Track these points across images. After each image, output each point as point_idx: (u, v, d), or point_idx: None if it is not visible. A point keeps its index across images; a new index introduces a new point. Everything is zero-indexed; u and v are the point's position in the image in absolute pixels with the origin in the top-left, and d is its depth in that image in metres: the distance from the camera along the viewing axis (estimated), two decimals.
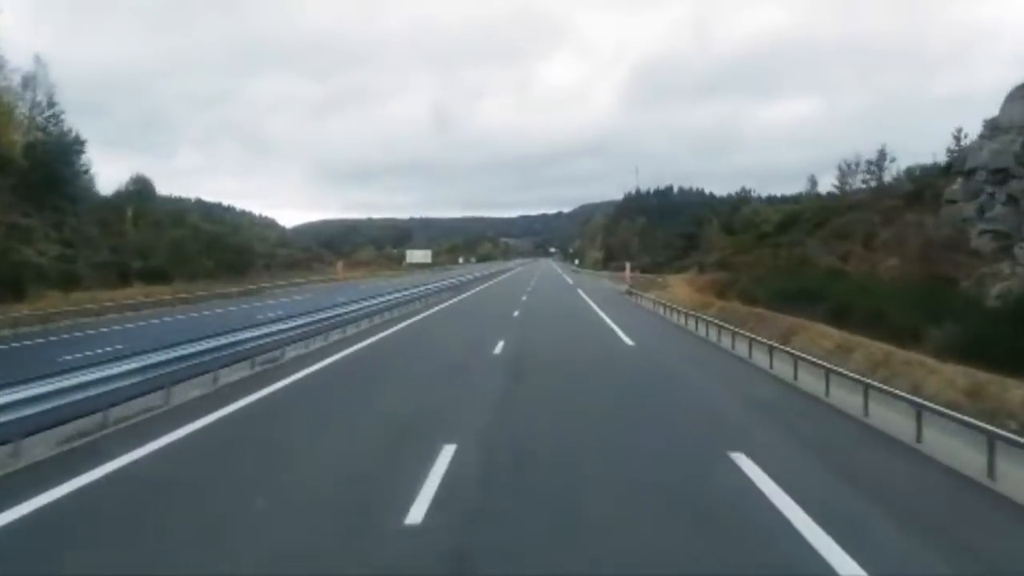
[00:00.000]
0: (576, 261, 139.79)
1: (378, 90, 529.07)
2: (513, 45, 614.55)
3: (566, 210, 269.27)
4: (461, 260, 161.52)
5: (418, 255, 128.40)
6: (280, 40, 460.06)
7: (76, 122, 52.87)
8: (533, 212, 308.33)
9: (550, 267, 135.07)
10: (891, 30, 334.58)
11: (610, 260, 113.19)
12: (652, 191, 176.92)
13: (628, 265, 62.43)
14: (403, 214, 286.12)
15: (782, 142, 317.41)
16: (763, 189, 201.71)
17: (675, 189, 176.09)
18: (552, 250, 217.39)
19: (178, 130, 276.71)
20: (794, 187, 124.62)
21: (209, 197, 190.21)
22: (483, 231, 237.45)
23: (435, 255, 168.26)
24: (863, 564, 5.05)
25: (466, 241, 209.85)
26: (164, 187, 71.59)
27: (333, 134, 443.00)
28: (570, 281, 72.10)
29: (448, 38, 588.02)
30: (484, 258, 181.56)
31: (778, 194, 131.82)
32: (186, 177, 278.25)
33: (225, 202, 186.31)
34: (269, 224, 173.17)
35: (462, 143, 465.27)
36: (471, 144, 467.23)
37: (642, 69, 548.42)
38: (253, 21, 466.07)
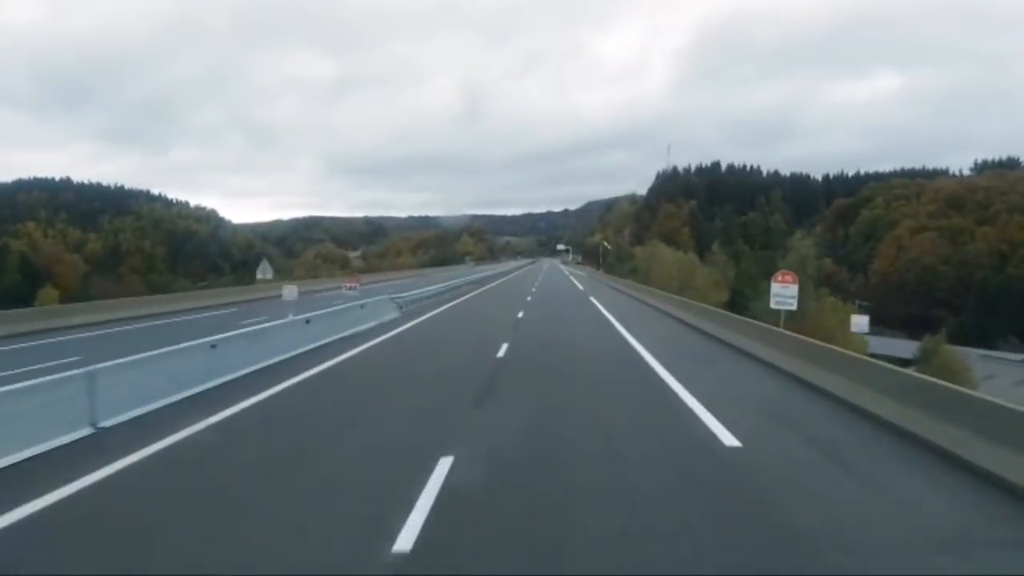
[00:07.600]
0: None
1: (390, 81, 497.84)
2: (557, 15, 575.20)
3: (572, 207, 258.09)
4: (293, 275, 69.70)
5: None
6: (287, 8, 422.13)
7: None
8: (538, 210, 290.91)
9: (560, 288, 50.52)
10: None
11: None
12: (694, 169, 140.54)
13: None
14: (403, 213, 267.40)
15: (853, 124, 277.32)
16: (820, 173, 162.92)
17: (722, 167, 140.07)
18: (560, 247, 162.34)
19: (168, 120, 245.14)
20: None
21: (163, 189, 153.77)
22: (484, 229, 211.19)
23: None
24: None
25: (441, 238, 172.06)
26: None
27: (342, 127, 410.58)
28: None
29: (483, 6, 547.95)
30: (444, 262, 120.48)
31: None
32: (183, 173, 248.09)
33: (155, 189, 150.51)
34: (201, 217, 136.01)
35: (474, 141, 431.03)
36: (480, 143, 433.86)
37: (699, 43, 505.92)
38: None
